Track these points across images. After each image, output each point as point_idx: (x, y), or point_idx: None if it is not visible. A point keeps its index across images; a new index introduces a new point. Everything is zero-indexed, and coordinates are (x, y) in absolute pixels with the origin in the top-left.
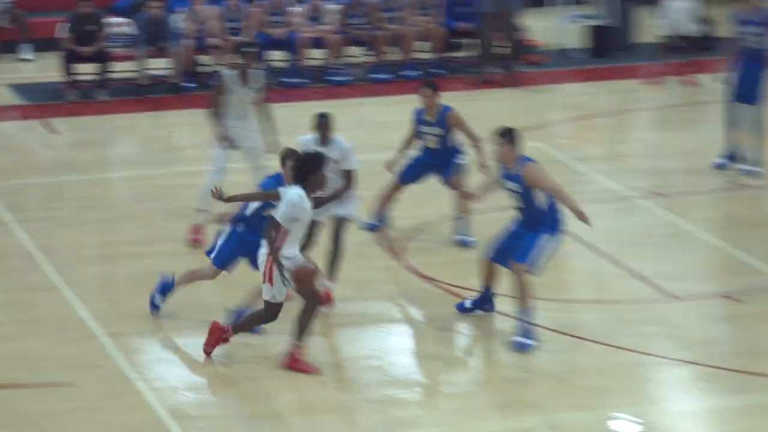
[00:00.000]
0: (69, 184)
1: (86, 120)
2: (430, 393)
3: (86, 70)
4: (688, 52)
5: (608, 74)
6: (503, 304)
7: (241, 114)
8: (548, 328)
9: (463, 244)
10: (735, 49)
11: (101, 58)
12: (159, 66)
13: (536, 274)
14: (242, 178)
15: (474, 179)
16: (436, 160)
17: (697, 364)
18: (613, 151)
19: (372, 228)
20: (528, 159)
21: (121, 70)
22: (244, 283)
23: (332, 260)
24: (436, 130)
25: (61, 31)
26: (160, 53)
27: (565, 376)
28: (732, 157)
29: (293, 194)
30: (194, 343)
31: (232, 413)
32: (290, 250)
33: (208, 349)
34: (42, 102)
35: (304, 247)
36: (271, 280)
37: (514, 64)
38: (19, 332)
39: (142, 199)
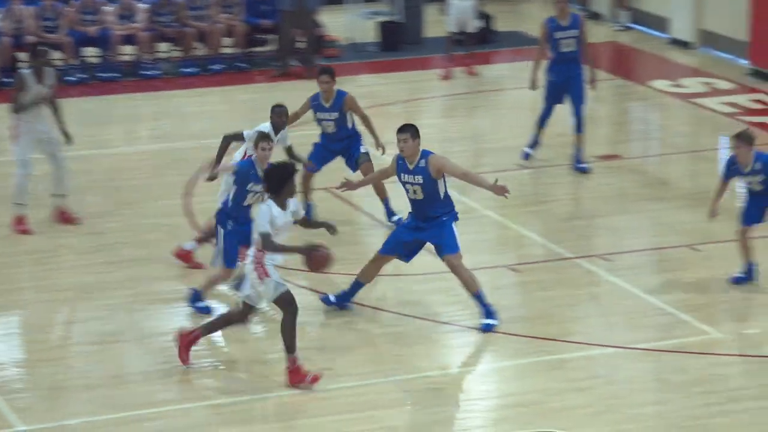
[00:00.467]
0: None
1: None
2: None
3: None
4: (469, 45)
5: (399, 66)
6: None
7: (37, 109)
8: (351, 301)
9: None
10: (548, 55)
11: None
12: None
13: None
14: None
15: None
16: (337, 144)
17: (478, 329)
18: None
19: None
20: (428, 152)
21: None
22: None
23: None
24: (333, 115)
25: None
26: None
27: (365, 345)
28: (533, 145)
29: (260, 209)
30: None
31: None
32: (277, 257)
33: (184, 358)
34: None
35: None
36: (263, 277)
37: (312, 57)
38: None
39: None
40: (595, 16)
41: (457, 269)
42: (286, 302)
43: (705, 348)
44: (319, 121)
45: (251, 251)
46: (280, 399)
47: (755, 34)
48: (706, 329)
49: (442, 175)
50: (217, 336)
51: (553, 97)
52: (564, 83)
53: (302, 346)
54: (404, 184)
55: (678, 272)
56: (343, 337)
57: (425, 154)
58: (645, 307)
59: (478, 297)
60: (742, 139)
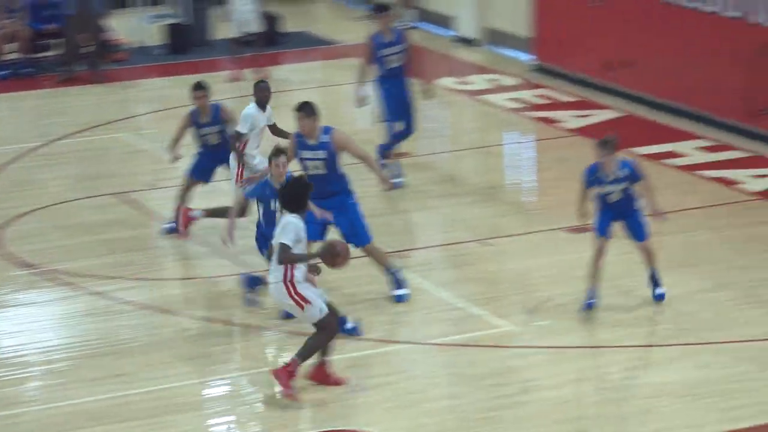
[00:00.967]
0: None
1: None
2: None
3: None
4: (254, 46)
5: (187, 69)
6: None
7: None
8: (142, 305)
9: None
10: (374, 71)
11: None
12: None
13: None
14: None
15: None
16: (220, 155)
17: (274, 329)
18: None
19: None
20: (330, 127)
21: None
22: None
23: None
24: (214, 129)
25: None
26: None
27: (159, 349)
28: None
29: (289, 221)
30: None
31: None
32: (298, 273)
33: (289, 393)
34: None
35: None
36: (303, 304)
37: (99, 61)
38: None
39: None
40: None
41: (372, 255)
42: (328, 325)
43: (497, 341)
44: (201, 136)
45: (276, 271)
46: (73, 407)
47: (538, 31)
48: (498, 322)
49: (342, 152)
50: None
51: (393, 114)
52: (395, 98)
53: (100, 352)
54: (303, 161)
55: (469, 267)
56: (140, 340)
57: (327, 130)
58: (438, 302)
59: (390, 269)
60: (609, 146)
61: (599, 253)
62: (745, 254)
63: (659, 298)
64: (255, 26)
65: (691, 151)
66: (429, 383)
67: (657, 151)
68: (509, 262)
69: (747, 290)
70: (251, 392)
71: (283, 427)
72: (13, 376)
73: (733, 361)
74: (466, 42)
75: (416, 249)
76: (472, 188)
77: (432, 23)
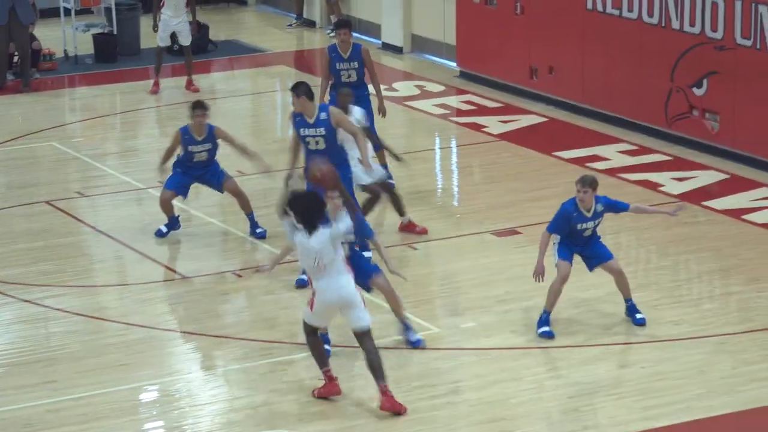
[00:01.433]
0: None
1: None
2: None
3: None
4: (186, 57)
5: (115, 78)
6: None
7: None
8: (74, 312)
9: (262, 237)
10: (331, 82)
11: None
12: None
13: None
14: None
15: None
16: (199, 172)
17: (206, 335)
18: (124, 146)
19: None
20: (325, 105)
21: None
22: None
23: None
24: (206, 147)
25: None
26: None
27: (91, 355)
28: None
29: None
30: None
31: None
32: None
33: (403, 409)
34: None
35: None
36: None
37: (28, 71)
38: None
39: None
40: (311, 24)
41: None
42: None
43: (425, 343)
44: (193, 153)
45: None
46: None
47: (461, 38)
48: (426, 325)
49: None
50: None
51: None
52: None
53: (31, 359)
54: (304, 138)
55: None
56: (70, 347)
57: (323, 107)
58: (367, 305)
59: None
60: (591, 184)
61: (564, 279)
62: (667, 255)
63: (640, 322)
64: (185, 36)
65: (614, 155)
66: (354, 386)
67: (581, 155)
68: (435, 265)
69: (669, 290)
70: (183, 397)
71: None
72: None
73: (655, 361)
74: (393, 49)
75: None
76: (401, 192)
77: (359, 31)
